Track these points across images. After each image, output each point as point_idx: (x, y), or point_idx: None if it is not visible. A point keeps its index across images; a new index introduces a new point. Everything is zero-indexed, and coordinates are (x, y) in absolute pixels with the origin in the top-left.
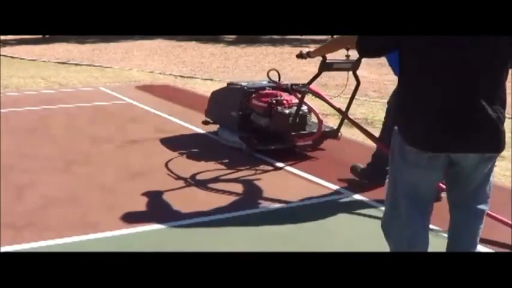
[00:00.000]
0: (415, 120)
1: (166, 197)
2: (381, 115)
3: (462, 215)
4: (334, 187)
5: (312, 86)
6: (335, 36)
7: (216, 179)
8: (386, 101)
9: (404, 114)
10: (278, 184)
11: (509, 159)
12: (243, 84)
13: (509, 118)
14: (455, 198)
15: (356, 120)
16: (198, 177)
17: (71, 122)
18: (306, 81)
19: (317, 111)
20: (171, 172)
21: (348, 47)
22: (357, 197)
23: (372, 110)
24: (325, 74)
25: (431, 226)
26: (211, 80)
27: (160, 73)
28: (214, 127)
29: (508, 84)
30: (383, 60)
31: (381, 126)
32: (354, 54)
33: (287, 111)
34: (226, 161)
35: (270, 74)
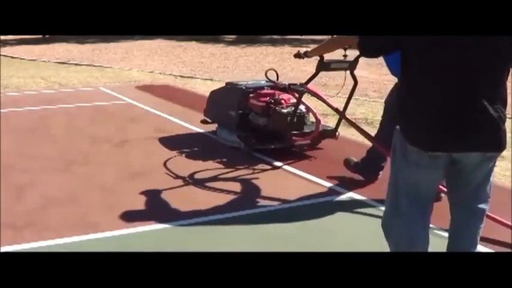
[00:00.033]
0: (415, 120)
1: (166, 196)
2: (381, 115)
3: (463, 214)
4: (334, 187)
5: (310, 86)
6: (332, 36)
7: (215, 178)
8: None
9: (405, 114)
10: (276, 183)
11: (509, 159)
12: (242, 83)
13: (509, 118)
14: (456, 198)
15: (356, 120)
16: (197, 176)
17: (71, 122)
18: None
19: (315, 111)
20: (171, 172)
21: (345, 46)
22: (357, 196)
23: (372, 110)
24: (325, 74)
25: (431, 226)
26: (211, 80)
27: (160, 73)
28: (213, 126)
29: (508, 84)
30: (383, 60)
31: None
32: (351, 54)
33: (285, 110)
34: (225, 160)
35: (268, 73)
